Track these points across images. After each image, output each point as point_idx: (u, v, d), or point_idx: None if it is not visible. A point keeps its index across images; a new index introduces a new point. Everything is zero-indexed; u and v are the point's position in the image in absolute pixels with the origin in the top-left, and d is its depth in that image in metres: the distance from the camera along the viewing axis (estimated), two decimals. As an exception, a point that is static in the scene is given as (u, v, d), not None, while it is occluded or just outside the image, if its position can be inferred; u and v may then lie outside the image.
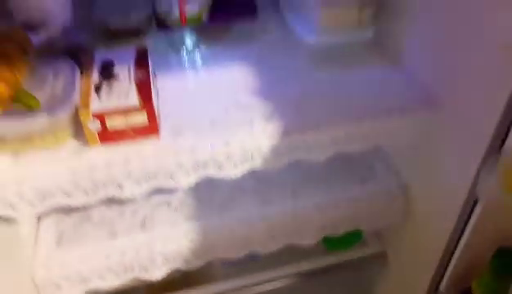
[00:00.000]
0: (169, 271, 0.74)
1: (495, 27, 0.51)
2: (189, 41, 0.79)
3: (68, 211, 0.78)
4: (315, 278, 0.92)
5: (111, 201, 0.78)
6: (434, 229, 0.73)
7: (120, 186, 0.59)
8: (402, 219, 0.81)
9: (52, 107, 0.56)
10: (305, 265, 0.91)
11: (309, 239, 0.79)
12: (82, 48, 0.68)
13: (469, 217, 0.64)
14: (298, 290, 0.95)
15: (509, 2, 0.49)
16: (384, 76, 0.72)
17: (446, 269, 0.73)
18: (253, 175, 0.80)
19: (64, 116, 0.56)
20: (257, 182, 0.82)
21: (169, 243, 0.71)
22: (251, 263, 0.90)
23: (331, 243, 0.92)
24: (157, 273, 0.73)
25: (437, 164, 0.69)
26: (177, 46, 0.79)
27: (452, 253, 0.70)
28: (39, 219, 0.77)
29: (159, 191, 0.79)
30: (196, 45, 0.79)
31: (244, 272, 0.90)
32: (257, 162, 0.64)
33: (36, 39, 0.61)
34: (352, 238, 0.92)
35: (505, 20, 0.49)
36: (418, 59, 0.71)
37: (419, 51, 0.70)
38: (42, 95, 0.57)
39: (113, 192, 0.60)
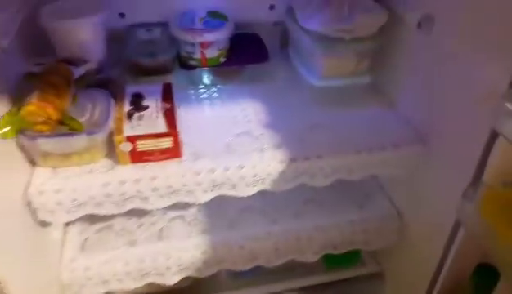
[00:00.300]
0: (182, 278, 0.81)
1: (475, 80, 0.59)
2: (207, 79, 0.88)
3: (92, 220, 0.86)
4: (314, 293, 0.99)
5: (131, 213, 0.86)
6: (426, 251, 0.79)
7: (146, 199, 0.67)
8: (397, 241, 0.88)
9: (91, 130, 0.65)
10: (306, 281, 0.98)
11: (310, 256, 0.86)
12: (114, 81, 0.77)
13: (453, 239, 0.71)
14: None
15: (486, 61, 0.58)
16: (380, 116, 0.81)
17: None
18: (260, 196, 0.89)
19: (100, 138, 0.65)
20: (264, 203, 0.90)
21: (183, 253, 0.79)
22: (256, 276, 0.97)
23: (331, 261, 0.99)
24: (171, 280, 0.80)
25: (426, 193, 0.76)
26: (197, 84, 0.89)
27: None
28: (67, 226, 0.85)
29: (174, 206, 0.87)
30: (214, 83, 0.89)
31: (250, 284, 0.97)
32: (266, 185, 0.72)
33: (77, 72, 0.70)
34: (351, 257, 0.99)
35: (484, 74, 0.57)
36: (410, 103, 0.79)
37: (411, 97, 0.79)
38: (82, 120, 0.66)
39: (139, 204, 0.68)
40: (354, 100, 0.84)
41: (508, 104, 0.49)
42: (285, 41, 0.96)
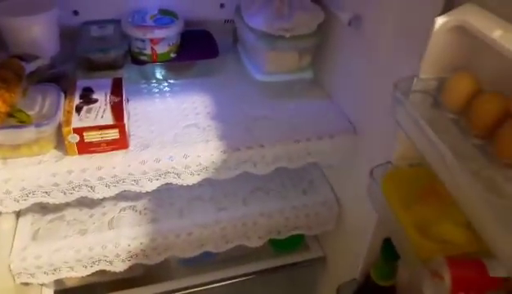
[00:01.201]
0: (132, 265, 0.84)
1: (394, 73, 0.65)
2: (159, 74, 0.92)
3: (44, 211, 0.88)
4: (263, 277, 1.04)
5: (82, 203, 0.89)
6: (360, 235, 0.86)
7: (93, 188, 0.71)
8: (335, 226, 0.95)
9: (39, 122, 0.67)
10: (254, 266, 1.03)
11: (256, 241, 0.91)
12: (66, 76, 0.80)
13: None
14: (247, 288, 1.07)
15: (401, 55, 0.64)
16: (318, 108, 0.87)
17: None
18: (210, 186, 0.94)
19: (49, 130, 0.68)
20: (213, 192, 0.95)
21: (133, 241, 0.82)
22: (207, 263, 1.01)
23: (277, 246, 1.05)
24: (120, 267, 0.83)
25: (359, 180, 0.83)
26: (148, 78, 0.92)
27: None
28: (18, 216, 0.87)
29: (125, 197, 0.91)
30: (165, 77, 0.93)
31: (200, 271, 1.01)
32: (210, 173, 0.76)
33: (28, 68, 0.73)
34: (295, 242, 1.05)
35: (399, 67, 0.64)
36: (344, 95, 0.86)
37: (344, 89, 0.86)
38: (32, 113, 0.69)
39: (86, 193, 0.71)
40: (296, 94, 0.89)
41: (398, 94, 0.55)
42: (236, 38, 1.01)
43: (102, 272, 0.85)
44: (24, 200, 0.69)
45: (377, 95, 0.73)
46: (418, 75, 0.57)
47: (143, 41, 0.87)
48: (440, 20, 0.53)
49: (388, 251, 0.66)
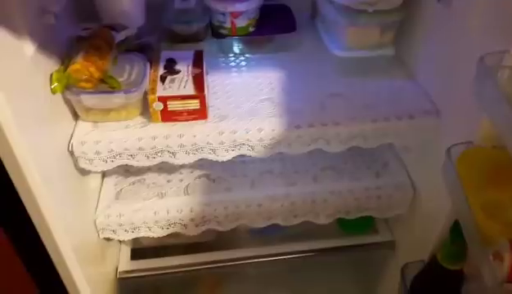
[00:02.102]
0: (206, 231, 0.89)
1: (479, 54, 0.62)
2: (237, 48, 0.94)
3: (126, 174, 0.94)
4: (329, 256, 1.05)
5: (161, 169, 0.94)
6: (434, 222, 0.83)
7: (174, 154, 0.75)
8: (408, 210, 0.92)
9: (128, 89, 0.72)
10: (320, 244, 1.03)
11: (324, 219, 0.92)
12: (151, 47, 0.85)
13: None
14: (312, 265, 1.08)
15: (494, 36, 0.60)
16: (399, 87, 0.84)
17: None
18: (281, 161, 0.95)
19: (136, 97, 0.72)
20: (284, 167, 0.96)
21: (206, 207, 0.86)
22: (274, 236, 1.04)
23: (346, 227, 1.05)
24: (194, 231, 0.88)
25: (437, 164, 0.80)
26: (226, 52, 0.94)
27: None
28: (104, 178, 0.94)
29: (201, 166, 0.95)
30: (243, 52, 0.94)
31: (267, 243, 1.03)
32: (283, 148, 0.77)
33: (117, 37, 0.78)
34: (365, 224, 1.04)
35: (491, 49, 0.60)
36: (428, 75, 0.82)
37: (429, 69, 0.82)
38: (121, 80, 0.74)
39: (168, 159, 0.75)
40: (376, 71, 0.87)
41: (484, 68, 0.52)
42: (315, 12, 0.99)
43: (176, 234, 0.90)
44: (112, 161, 0.74)
45: (463, 75, 0.69)
46: (509, 50, 0.53)
47: (223, 14, 0.89)
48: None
49: (457, 233, 0.64)
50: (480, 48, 0.60)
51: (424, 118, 0.78)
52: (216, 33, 0.91)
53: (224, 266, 1.00)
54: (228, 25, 0.89)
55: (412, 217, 0.93)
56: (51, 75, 0.68)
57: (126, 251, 1.02)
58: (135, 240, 1.00)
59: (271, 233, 1.02)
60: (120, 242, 1.02)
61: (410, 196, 0.91)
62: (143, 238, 0.95)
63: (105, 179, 0.94)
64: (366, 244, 1.05)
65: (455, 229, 0.64)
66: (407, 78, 0.86)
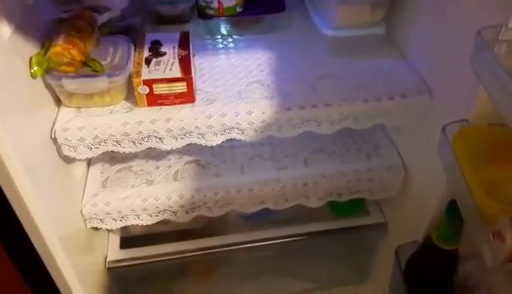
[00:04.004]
0: (195, 216, 0.87)
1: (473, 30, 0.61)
2: (224, 29, 0.91)
3: (113, 161, 0.92)
4: (321, 239, 1.04)
5: (149, 156, 0.92)
6: (426, 203, 0.83)
7: (161, 140, 0.72)
8: (400, 192, 0.92)
9: (112, 73, 0.69)
10: (312, 227, 1.02)
11: (315, 202, 0.91)
12: (135, 29, 0.82)
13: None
14: (304, 248, 1.08)
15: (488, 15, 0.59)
16: (390, 66, 0.82)
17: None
18: (270, 145, 0.93)
19: (120, 80, 0.70)
20: (274, 151, 0.94)
21: (196, 193, 0.84)
22: (266, 221, 1.02)
23: (337, 209, 1.04)
24: (184, 217, 0.86)
25: (430, 145, 0.79)
26: (213, 33, 0.92)
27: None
28: (89, 166, 0.91)
29: (190, 151, 0.93)
30: (230, 33, 0.92)
31: (258, 228, 1.02)
32: (274, 130, 0.75)
33: (100, 19, 0.75)
34: (356, 206, 1.03)
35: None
36: (419, 54, 0.81)
37: (421, 48, 0.80)
38: (104, 63, 0.71)
39: (155, 144, 0.73)
40: (367, 51, 0.85)
41: (481, 42, 0.50)
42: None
43: (166, 222, 0.88)
44: (97, 148, 0.72)
45: (457, 53, 0.68)
46: (507, 24, 0.51)
47: (210, -6, 0.86)
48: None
49: (453, 213, 0.63)
50: (475, 24, 0.59)
51: (416, 98, 0.76)
52: (202, 13, 0.89)
53: (215, 252, 0.99)
54: (215, 5, 0.86)
55: (404, 198, 0.92)
56: (31, 58, 0.65)
57: (115, 241, 1.00)
58: (124, 229, 0.98)
59: (262, 218, 1.00)
60: (109, 231, 0.99)
61: (401, 177, 0.90)
62: (132, 226, 0.93)
63: (91, 167, 0.91)
64: (358, 226, 1.04)
65: (451, 209, 0.64)
66: (399, 58, 0.85)
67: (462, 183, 0.56)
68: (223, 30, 0.92)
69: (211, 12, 0.88)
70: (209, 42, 0.91)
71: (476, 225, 0.54)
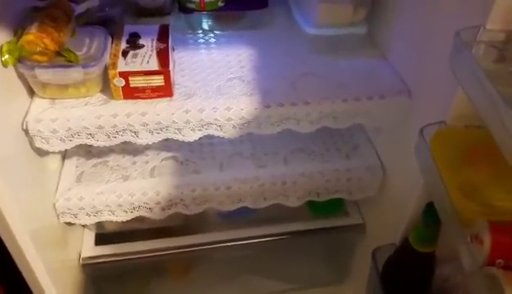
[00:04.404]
0: (171, 214, 0.85)
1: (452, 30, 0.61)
2: (205, 23, 0.90)
3: (88, 155, 0.90)
4: (299, 239, 1.04)
5: (125, 151, 0.91)
6: (403, 204, 0.83)
7: (136, 134, 0.71)
8: (378, 193, 0.92)
9: (87, 64, 0.67)
10: (290, 227, 1.02)
11: (294, 201, 0.90)
12: (114, 20, 0.80)
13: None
14: (283, 248, 1.07)
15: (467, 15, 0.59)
16: (371, 66, 0.82)
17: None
18: (250, 143, 0.93)
19: (96, 72, 0.68)
20: (254, 149, 0.93)
21: (173, 190, 0.83)
22: (244, 219, 1.01)
23: (316, 209, 1.03)
24: (160, 214, 0.85)
25: (408, 146, 0.79)
26: (194, 28, 0.90)
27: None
28: (64, 159, 0.89)
29: (168, 147, 0.91)
30: (212, 28, 0.91)
31: (237, 226, 1.01)
32: (252, 128, 0.74)
33: (78, 9, 0.74)
34: (334, 206, 1.03)
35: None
36: (400, 55, 0.81)
37: (401, 49, 0.81)
38: (79, 54, 0.69)
39: (130, 138, 0.71)
40: (347, 50, 0.85)
41: (460, 42, 0.51)
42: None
43: (142, 219, 0.86)
44: (70, 140, 0.70)
45: (435, 53, 0.68)
46: (485, 25, 0.52)
47: (191, -13, 0.85)
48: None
49: (430, 215, 0.63)
50: (453, 25, 0.59)
51: (395, 98, 0.76)
52: (183, 7, 0.87)
53: (192, 251, 0.98)
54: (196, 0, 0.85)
55: (382, 199, 0.92)
56: (2, 46, 0.63)
57: (90, 237, 0.98)
58: (99, 225, 0.96)
59: (241, 217, 1.00)
60: (84, 227, 0.97)
61: (379, 178, 0.90)
62: (107, 222, 0.92)
63: (66, 160, 0.89)
64: (336, 227, 1.04)
65: (429, 211, 0.63)
66: (379, 58, 0.85)
67: (440, 185, 0.56)
68: (205, 25, 0.91)
69: (192, 6, 0.86)
70: (190, 36, 0.89)
71: (454, 228, 0.54)
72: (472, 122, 0.60)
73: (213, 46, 0.88)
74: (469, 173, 0.56)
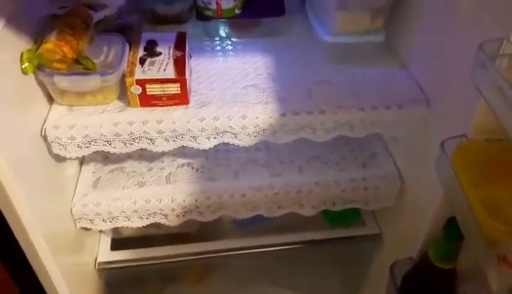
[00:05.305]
0: (186, 220, 0.86)
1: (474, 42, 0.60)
2: (222, 31, 0.90)
3: (105, 161, 0.91)
4: (314, 248, 1.03)
5: (142, 157, 0.91)
6: (422, 214, 0.81)
7: (152, 141, 0.71)
8: (395, 203, 0.90)
9: (104, 71, 0.68)
10: (305, 236, 1.00)
11: (309, 211, 0.89)
12: (131, 28, 0.81)
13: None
14: (298, 257, 1.06)
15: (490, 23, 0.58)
16: (389, 75, 0.81)
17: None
18: (266, 151, 0.92)
19: (113, 79, 0.69)
20: (269, 157, 0.93)
21: (188, 197, 0.83)
22: (259, 227, 1.01)
23: (332, 219, 1.02)
24: (175, 221, 0.85)
25: (427, 156, 0.77)
26: (211, 35, 0.91)
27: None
28: (81, 164, 0.90)
29: (183, 154, 0.91)
30: (229, 35, 0.91)
31: (252, 234, 1.00)
32: (267, 136, 0.74)
33: (96, 17, 0.74)
34: (351, 216, 1.02)
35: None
36: (419, 64, 0.80)
37: (421, 58, 0.79)
38: (97, 62, 0.70)
39: (146, 145, 0.72)
40: (365, 58, 0.84)
41: (483, 56, 0.49)
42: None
43: (157, 225, 0.87)
44: (87, 147, 0.71)
45: (456, 64, 0.66)
46: (509, 37, 0.50)
47: (208, -5, 0.85)
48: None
49: (452, 231, 0.61)
50: (475, 35, 0.57)
51: (413, 108, 0.75)
52: (200, 14, 0.88)
53: (207, 258, 0.97)
54: (213, 7, 0.85)
55: (400, 210, 0.91)
56: (22, 54, 0.64)
57: (106, 242, 0.98)
58: (115, 230, 0.97)
59: (256, 225, 0.99)
60: (100, 232, 0.98)
61: (397, 188, 0.89)
62: (123, 228, 0.92)
63: (83, 166, 0.90)
64: (352, 237, 1.03)
65: (451, 227, 0.61)
66: (397, 66, 0.84)
67: (463, 201, 0.54)
68: (222, 32, 0.91)
69: (209, 13, 0.87)
70: (207, 43, 0.90)
71: (479, 246, 0.52)
72: (493, 136, 0.58)
73: (229, 53, 0.88)
74: (492, 190, 0.55)
